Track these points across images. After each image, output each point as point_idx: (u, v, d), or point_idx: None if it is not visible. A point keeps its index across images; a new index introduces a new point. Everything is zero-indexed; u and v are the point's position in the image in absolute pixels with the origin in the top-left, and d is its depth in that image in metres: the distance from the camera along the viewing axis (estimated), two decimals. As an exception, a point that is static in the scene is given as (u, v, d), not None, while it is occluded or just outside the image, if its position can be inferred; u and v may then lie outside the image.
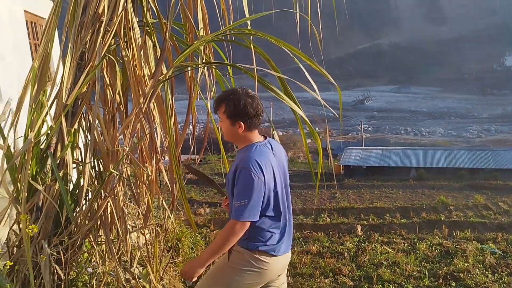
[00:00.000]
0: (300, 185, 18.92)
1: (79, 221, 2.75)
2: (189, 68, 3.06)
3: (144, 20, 3.06)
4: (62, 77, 2.74)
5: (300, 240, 7.50)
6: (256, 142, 2.28)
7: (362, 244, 6.89)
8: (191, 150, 3.52)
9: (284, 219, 2.31)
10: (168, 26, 2.74)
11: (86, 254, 3.17)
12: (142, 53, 2.93)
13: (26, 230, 2.32)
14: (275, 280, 2.42)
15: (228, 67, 3.31)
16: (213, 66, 3.13)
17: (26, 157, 2.52)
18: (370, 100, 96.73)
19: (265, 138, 2.38)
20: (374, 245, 6.81)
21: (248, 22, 3.03)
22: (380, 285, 4.77)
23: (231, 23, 3.27)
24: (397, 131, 67.22)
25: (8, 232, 2.77)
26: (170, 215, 3.31)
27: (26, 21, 6.94)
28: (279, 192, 2.26)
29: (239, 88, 2.29)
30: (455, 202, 13.97)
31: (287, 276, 5.20)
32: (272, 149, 2.30)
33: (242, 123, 2.22)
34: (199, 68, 3.01)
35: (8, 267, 2.24)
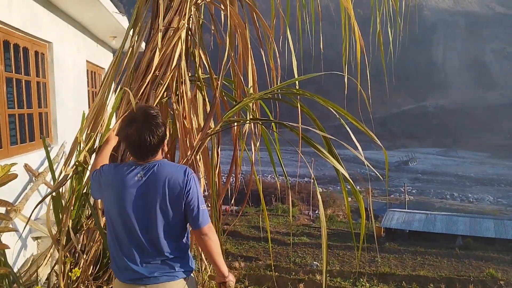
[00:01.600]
0: (338, 245, 18.33)
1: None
2: (236, 124, 3.16)
3: (196, 75, 3.23)
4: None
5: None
6: (134, 162, 2.14)
7: (403, 314, 6.49)
8: (231, 201, 3.55)
9: (127, 247, 2.10)
10: (219, 82, 2.88)
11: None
12: (192, 106, 3.07)
13: (69, 273, 2.39)
14: None
15: (272, 123, 3.39)
16: (259, 123, 3.21)
17: (69, 201, 2.64)
18: (415, 162, 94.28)
19: (157, 160, 2.16)
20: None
21: (297, 82, 3.13)
22: None
23: (279, 80, 3.39)
24: (443, 195, 64.51)
25: (49, 273, 2.85)
26: (208, 268, 3.30)
27: (87, 70, 7.47)
28: (121, 212, 2.09)
29: (137, 109, 2.18)
30: (506, 277, 13.00)
31: None
32: (144, 175, 2.08)
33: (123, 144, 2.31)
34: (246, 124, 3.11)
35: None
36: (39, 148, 5.27)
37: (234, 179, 3.54)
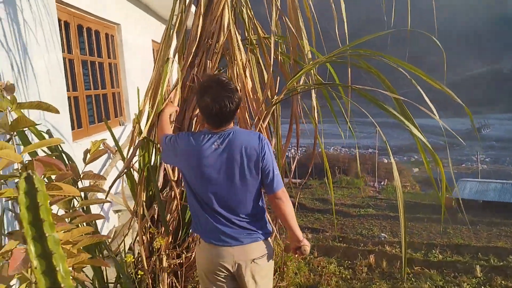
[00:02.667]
0: (407, 216, 17.76)
1: (195, 236, 2.90)
2: (299, 90, 3.06)
3: (248, 37, 3.14)
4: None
5: (410, 276, 7.03)
6: (209, 130, 2.19)
7: (482, 287, 6.24)
8: (291, 173, 3.50)
9: (210, 211, 2.19)
10: (272, 41, 2.78)
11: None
12: (246, 71, 2.98)
13: (149, 241, 2.52)
14: (220, 273, 2.25)
15: (340, 87, 3.23)
16: (329, 87, 3.09)
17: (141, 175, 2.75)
18: (488, 129, 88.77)
19: (231, 128, 2.21)
20: (497, 289, 6.12)
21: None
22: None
23: (340, 45, 3.22)
24: (520, 163, 60.36)
25: (131, 243, 3.02)
26: (278, 237, 3.32)
27: (153, 49, 7.68)
28: (201, 181, 2.16)
29: (208, 80, 2.23)
30: None
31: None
32: (220, 144, 2.13)
33: (200, 112, 2.28)
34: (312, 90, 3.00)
35: (139, 275, 2.42)
36: (114, 127, 5.54)
37: (295, 151, 3.48)
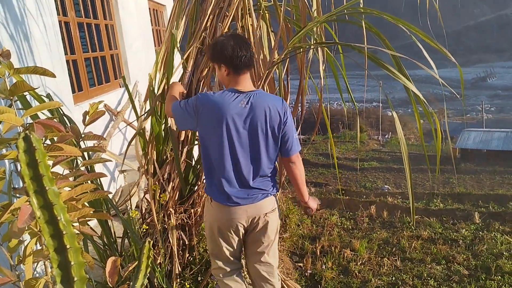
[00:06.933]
0: (411, 168, 18.02)
1: (200, 192, 3.02)
2: (301, 50, 3.11)
3: (259, 3, 3.17)
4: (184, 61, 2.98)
5: (410, 224, 7.24)
6: (235, 89, 2.20)
7: (480, 233, 6.45)
8: (298, 130, 3.59)
9: (227, 174, 2.23)
10: (282, 8, 2.82)
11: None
12: (256, 36, 3.05)
13: (157, 199, 2.64)
14: (233, 231, 2.34)
15: (338, 45, 3.28)
16: (325, 47, 3.13)
17: (152, 135, 2.84)
18: (494, 77, 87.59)
19: (256, 90, 2.27)
20: (494, 234, 6.33)
21: (361, 0, 2.97)
22: (500, 277, 4.45)
23: (344, 1, 3.22)
24: (526, 111, 59.95)
25: (137, 201, 3.15)
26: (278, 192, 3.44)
27: (149, 8, 7.57)
28: (225, 140, 2.18)
29: (225, 33, 2.30)
30: None
31: (395, 260, 5.12)
32: (247, 104, 2.17)
33: (224, 65, 2.20)
34: (310, 49, 3.04)
35: (144, 230, 2.55)
36: (114, 89, 5.58)
37: (300, 108, 3.55)
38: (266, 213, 2.32)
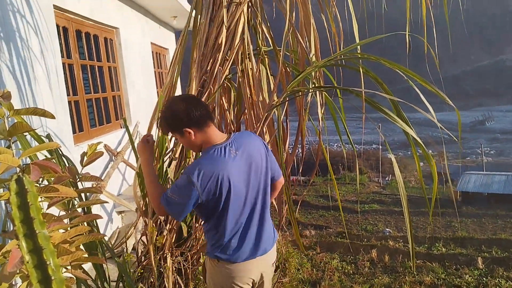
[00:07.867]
0: (411, 211, 17.74)
1: (197, 235, 2.98)
2: (300, 93, 3.16)
3: (258, 48, 3.26)
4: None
5: (412, 269, 7.08)
6: (215, 145, 2.02)
7: (484, 279, 6.29)
8: (299, 171, 3.59)
9: (245, 224, 2.10)
10: (282, 53, 2.89)
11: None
12: (256, 80, 3.11)
13: (154, 241, 2.59)
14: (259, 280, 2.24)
15: (337, 89, 3.34)
16: (324, 90, 3.18)
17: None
18: (492, 121, 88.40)
19: (230, 135, 2.11)
20: (498, 280, 6.16)
21: (358, 47, 3.05)
22: (506, 326, 4.30)
23: (342, 46, 3.32)
24: (525, 155, 60.04)
25: (134, 243, 3.10)
26: (278, 235, 3.40)
27: (152, 51, 7.75)
28: (240, 196, 2.04)
29: (169, 101, 2.14)
30: None
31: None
32: (236, 150, 2.03)
33: (187, 129, 1.99)
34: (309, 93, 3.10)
35: (139, 273, 2.49)
36: (115, 129, 5.62)
37: (300, 149, 3.57)
38: (272, 263, 2.27)
